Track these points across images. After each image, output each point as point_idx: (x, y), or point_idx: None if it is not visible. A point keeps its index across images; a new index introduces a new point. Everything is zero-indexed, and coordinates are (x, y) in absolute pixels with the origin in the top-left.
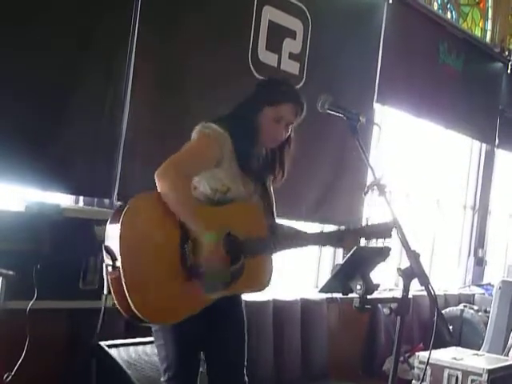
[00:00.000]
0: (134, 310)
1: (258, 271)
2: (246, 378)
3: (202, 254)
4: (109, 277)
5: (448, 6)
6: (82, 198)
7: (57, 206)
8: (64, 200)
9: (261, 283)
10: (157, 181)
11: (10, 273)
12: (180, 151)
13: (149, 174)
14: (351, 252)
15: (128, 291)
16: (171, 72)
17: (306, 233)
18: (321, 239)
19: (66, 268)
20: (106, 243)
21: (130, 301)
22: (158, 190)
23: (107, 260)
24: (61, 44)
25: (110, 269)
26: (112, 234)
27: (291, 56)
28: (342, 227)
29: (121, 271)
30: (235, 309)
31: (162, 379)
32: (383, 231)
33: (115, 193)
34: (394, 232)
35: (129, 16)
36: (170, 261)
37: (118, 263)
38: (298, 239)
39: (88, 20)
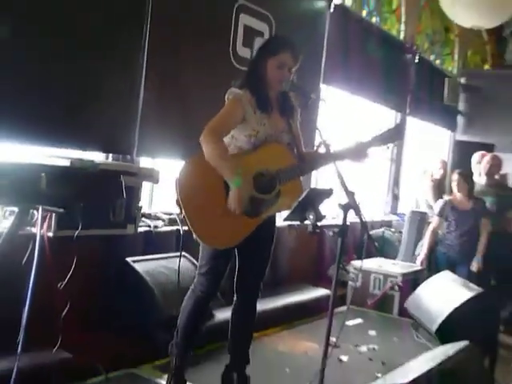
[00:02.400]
0: (199, 238)
1: (290, 194)
2: (261, 286)
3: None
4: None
5: (374, 13)
6: (110, 155)
7: (92, 161)
8: (97, 157)
9: (292, 203)
10: (202, 144)
11: (61, 210)
12: (214, 117)
13: (159, 136)
14: (305, 192)
15: (192, 227)
16: (174, 63)
17: (326, 153)
18: (339, 155)
19: (100, 206)
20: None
21: (195, 233)
22: (203, 148)
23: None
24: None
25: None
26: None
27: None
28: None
29: (184, 214)
30: (268, 225)
31: (197, 272)
32: (393, 135)
33: (135, 150)
34: (400, 134)
35: (141, 25)
36: (220, 200)
37: (183, 209)
38: (320, 160)
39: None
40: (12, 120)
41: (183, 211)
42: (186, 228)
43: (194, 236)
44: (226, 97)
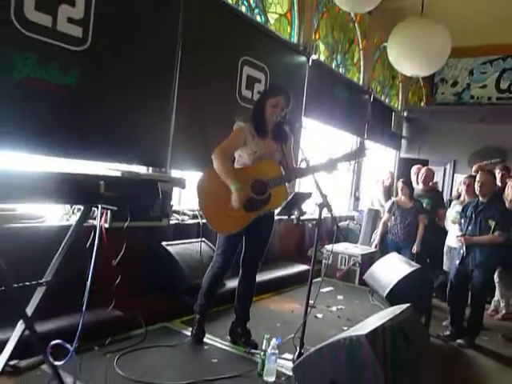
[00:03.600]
0: (211, 227)
1: (278, 196)
2: (261, 263)
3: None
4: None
5: (341, 65)
6: (150, 168)
7: (137, 173)
8: (141, 169)
9: (280, 202)
10: (213, 159)
11: (115, 208)
12: (223, 141)
13: (185, 153)
14: (291, 195)
15: (206, 219)
16: (197, 101)
17: (306, 167)
18: (316, 168)
19: (143, 205)
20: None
21: (208, 223)
22: (214, 163)
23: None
24: (140, 74)
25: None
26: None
27: (260, 92)
28: (329, 157)
29: (201, 210)
30: (267, 220)
31: (215, 253)
32: (356, 154)
33: (168, 164)
34: (361, 153)
35: (172, 73)
36: (227, 200)
37: (199, 206)
38: (301, 172)
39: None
40: (86, 144)
41: (201, 209)
42: (204, 221)
43: (210, 227)
44: (234, 127)
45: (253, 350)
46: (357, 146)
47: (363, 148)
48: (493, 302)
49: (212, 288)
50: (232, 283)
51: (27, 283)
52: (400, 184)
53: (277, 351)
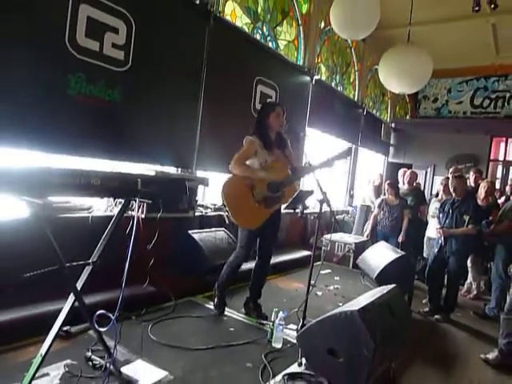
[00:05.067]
0: (240, 225)
1: (289, 193)
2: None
3: (258, 192)
4: (226, 213)
5: (339, 84)
6: (179, 168)
7: (168, 172)
8: (171, 169)
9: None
10: (231, 169)
11: (150, 202)
12: (238, 152)
13: (209, 157)
14: (296, 192)
15: (234, 219)
16: (219, 113)
17: (308, 166)
18: (315, 168)
19: (173, 199)
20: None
21: (237, 222)
22: (233, 172)
23: (224, 208)
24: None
25: (226, 211)
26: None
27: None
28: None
29: (229, 211)
30: (277, 214)
31: (237, 246)
32: (344, 154)
33: (194, 165)
34: (349, 154)
35: (198, 91)
36: (248, 200)
37: (227, 207)
38: (304, 171)
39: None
40: (128, 148)
41: (228, 209)
42: (230, 220)
43: (235, 223)
44: (244, 141)
45: (263, 321)
46: (343, 150)
47: (349, 151)
48: (466, 285)
49: (233, 272)
50: (246, 265)
51: (77, 263)
52: (386, 186)
53: (283, 322)
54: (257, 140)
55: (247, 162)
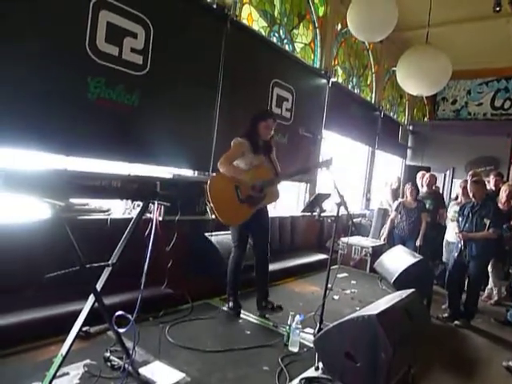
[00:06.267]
0: (221, 220)
1: (272, 194)
2: (268, 248)
3: (243, 191)
4: (210, 209)
5: (356, 86)
6: (196, 172)
7: (186, 176)
8: (189, 173)
9: (273, 200)
10: (219, 166)
11: (168, 204)
12: (226, 152)
13: None
14: (314, 195)
15: (217, 214)
16: (233, 120)
17: (290, 171)
18: (297, 172)
19: (191, 201)
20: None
21: (219, 217)
22: (220, 170)
23: (208, 204)
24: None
25: (210, 206)
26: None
27: (287, 109)
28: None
29: (213, 206)
30: (264, 213)
31: (232, 245)
32: (325, 163)
33: (210, 169)
34: (332, 164)
35: (215, 98)
36: (233, 198)
37: (211, 204)
38: (287, 175)
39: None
40: (146, 152)
41: (212, 204)
42: (214, 216)
43: (221, 221)
44: (233, 142)
45: (278, 312)
46: (324, 159)
47: (329, 162)
48: (486, 290)
49: (236, 273)
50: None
51: (97, 264)
52: (409, 187)
53: (300, 326)
54: (246, 142)
55: (234, 163)
